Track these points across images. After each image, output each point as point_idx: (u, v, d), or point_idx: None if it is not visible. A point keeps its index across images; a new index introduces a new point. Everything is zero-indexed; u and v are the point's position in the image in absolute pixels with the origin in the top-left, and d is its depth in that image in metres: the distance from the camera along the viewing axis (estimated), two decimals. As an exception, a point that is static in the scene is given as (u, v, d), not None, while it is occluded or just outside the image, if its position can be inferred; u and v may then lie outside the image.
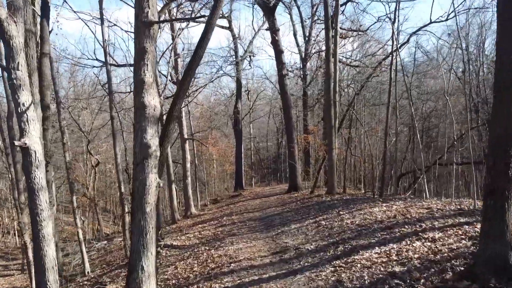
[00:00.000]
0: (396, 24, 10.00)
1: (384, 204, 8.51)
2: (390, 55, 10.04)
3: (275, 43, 15.63)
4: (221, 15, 22.59)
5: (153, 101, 5.33)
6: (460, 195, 12.59)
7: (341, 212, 8.65)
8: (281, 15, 54.35)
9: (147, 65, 5.30)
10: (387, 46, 16.05)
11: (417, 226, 6.13)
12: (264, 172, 32.48)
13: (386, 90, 18.83)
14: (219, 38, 54.74)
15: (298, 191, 15.08)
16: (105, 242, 14.16)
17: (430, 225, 6.02)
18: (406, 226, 6.21)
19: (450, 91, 17.98)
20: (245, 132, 29.03)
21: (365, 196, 11.06)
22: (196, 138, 16.67)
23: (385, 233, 6.19)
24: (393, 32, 9.77)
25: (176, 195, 19.70)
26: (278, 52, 15.79)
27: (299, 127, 22.60)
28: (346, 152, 13.10)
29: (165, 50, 13.66)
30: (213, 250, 8.13)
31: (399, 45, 14.15)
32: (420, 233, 5.67)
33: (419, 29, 13.85)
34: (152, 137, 5.31)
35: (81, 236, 9.52)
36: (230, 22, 22.41)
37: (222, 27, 22.57)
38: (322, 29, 17.67)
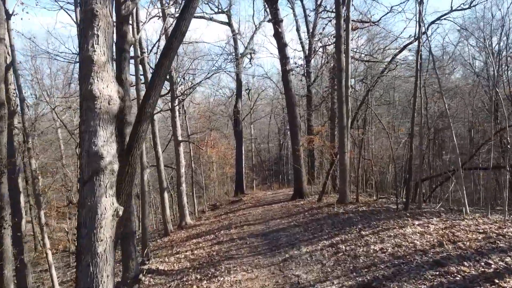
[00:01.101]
0: (423, 5, 8.18)
1: (416, 222, 6.69)
2: (417, 40, 8.22)
3: (278, 35, 13.81)
4: (220, 10, 20.85)
5: (106, 89, 3.52)
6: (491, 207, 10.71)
7: (363, 232, 6.83)
8: (283, 10, 52.25)
9: (98, 36, 3.48)
10: (400, 39, 14.22)
11: (482, 263, 4.31)
12: (265, 174, 30.67)
13: (398, 87, 17.07)
14: (219, 35, 52.80)
15: (304, 198, 13.28)
16: (90, 256, 12.34)
17: (502, 264, 4.20)
18: (466, 263, 4.38)
19: (468, 89, 16.21)
20: (246, 133, 27.28)
21: (384, 206, 9.23)
22: (191, 140, 14.84)
23: (436, 272, 4.36)
24: (420, 13, 7.97)
25: (173, 202, 17.90)
26: (282, 45, 13.97)
27: (302, 128, 20.78)
28: (359, 155, 11.27)
29: (156, 42, 11.94)
30: (205, 282, 6.33)
31: (416, 36, 12.35)
32: (495, 279, 3.84)
33: (439, 18, 12.01)
34: (106, 142, 3.50)
35: (50, 258, 7.72)
36: (229, 17, 20.65)
37: (222, 22, 20.81)
38: (328, 22, 15.91)
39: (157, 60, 4.81)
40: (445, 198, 8.97)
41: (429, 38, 8.52)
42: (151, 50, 11.31)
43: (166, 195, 11.91)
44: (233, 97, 22.56)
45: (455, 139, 7.26)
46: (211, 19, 19.89)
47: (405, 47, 11.68)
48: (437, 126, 18.04)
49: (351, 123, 11.92)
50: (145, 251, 8.55)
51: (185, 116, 15.49)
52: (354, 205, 9.96)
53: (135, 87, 8.91)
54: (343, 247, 6.27)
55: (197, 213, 15.79)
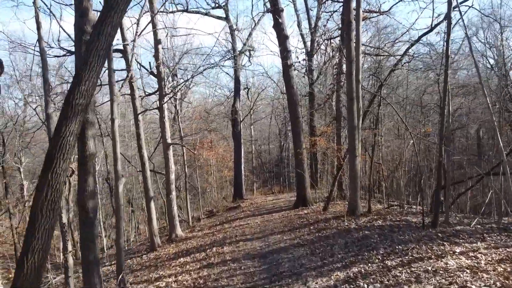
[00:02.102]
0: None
1: (457, 250, 5.06)
2: (446, 19, 6.60)
3: (279, 27, 12.19)
4: (217, 5, 19.27)
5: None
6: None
7: (388, 262, 5.19)
8: (282, 3, 50.13)
9: None
10: (412, 30, 12.55)
11: None
12: (266, 176, 29.02)
13: (409, 84, 15.42)
14: (215, 28, 50.55)
15: (307, 206, 11.65)
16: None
17: None
18: None
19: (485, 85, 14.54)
20: (246, 135, 25.65)
21: (403, 220, 7.59)
22: (182, 144, 13.21)
23: None
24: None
25: (165, 208, 16.27)
26: (283, 38, 12.34)
27: (305, 129, 19.11)
28: (371, 158, 9.63)
29: (142, 30, 10.31)
30: (183, 331, 4.71)
31: (433, 25, 10.73)
32: None
33: (462, 2, 10.34)
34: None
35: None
36: (227, 12, 19.02)
37: (218, 17, 19.19)
38: (332, 13, 14.26)
39: (94, 25, 3.18)
40: (481, 212, 7.31)
41: (463, 17, 6.88)
42: (134, 40, 9.63)
43: (152, 205, 10.30)
44: (232, 96, 20.98)
45: (500, 140, 5.61)
46: (207, 14, 18.31)
47: (440, 23, 9.74)
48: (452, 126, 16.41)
49: (362, 122, 10.30)
50: (119, 278, 6.95)
51: (178, 117, 13.89)
52: (367, 218, 8.34)
53: (108, 81, 7.31)
54: (365, 286, 4.63)
55: (191, 221, 14.18)
